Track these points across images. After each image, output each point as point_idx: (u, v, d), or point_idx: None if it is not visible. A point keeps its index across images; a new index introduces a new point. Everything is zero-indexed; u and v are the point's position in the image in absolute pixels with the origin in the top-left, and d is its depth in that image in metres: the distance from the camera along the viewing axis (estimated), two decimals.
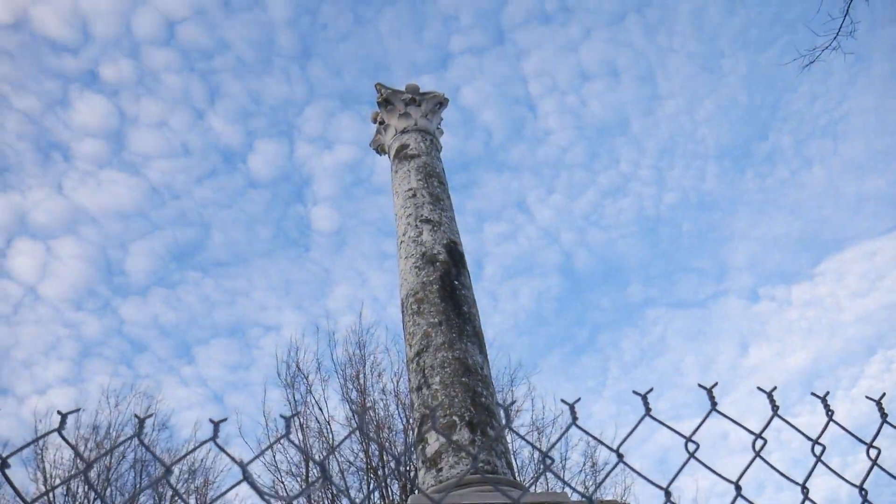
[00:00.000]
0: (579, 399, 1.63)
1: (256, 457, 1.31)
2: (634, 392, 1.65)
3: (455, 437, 4.72)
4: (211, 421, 1.28)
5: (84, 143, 26.22)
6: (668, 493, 1.60)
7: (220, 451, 1.19)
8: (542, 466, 12.74)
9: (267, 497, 1.14)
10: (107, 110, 25.76)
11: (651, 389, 1.65)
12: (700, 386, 1.73)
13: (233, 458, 1.23)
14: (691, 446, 1.68)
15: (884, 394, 1.85)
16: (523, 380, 15.23)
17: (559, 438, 1.75)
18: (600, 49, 29.31)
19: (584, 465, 13.75)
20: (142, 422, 1.30)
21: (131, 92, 26.13)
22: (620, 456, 1.61)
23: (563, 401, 1.63)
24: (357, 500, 12.09)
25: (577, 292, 29.51)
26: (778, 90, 29.01)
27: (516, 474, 13.15)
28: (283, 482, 13.12)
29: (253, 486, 1.17)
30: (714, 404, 1.72)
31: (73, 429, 17.37)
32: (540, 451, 1.42)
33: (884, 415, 1.84)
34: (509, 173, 29.48)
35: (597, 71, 29.66)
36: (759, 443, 1.77)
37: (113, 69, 25.82)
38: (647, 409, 1.61)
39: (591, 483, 13.04)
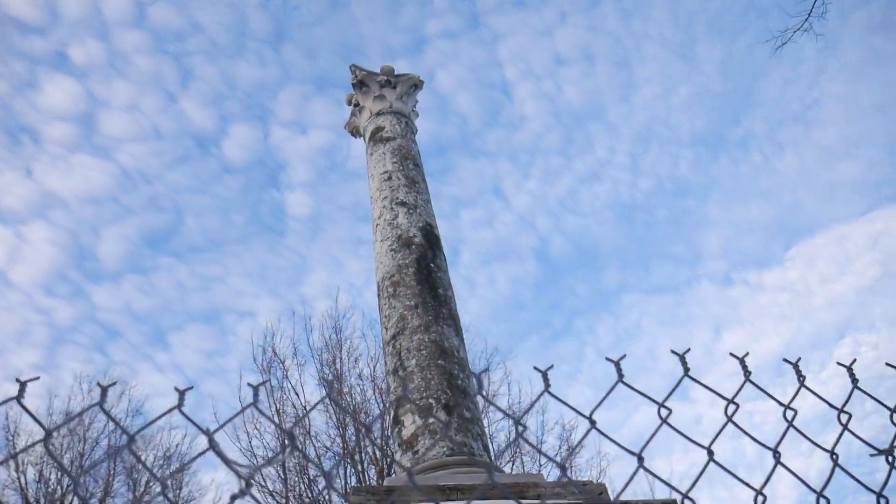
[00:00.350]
0: (552, 366, 1.62)
1: (223, 425, 1.28)
2: (607, 359, 1.65)
3: (431, 420, 4.72)
4: (176, 389, 1.25)
5: (54, 127, 25.75)
6: (640, 459, 1.61)
7: (186, 419, 1.16)
8: (517, 438, 12.83)
9: (233, 466, 1.11)
10: (76, 93, 25.30)
11: (624, 356, 1.64)
12: (673, 352, 1.73)
13: (199, 427, 1.20)
14: (664, 412, 1.68)
15: (854, 360, 1.87)
16: (499, 364, 15.29)
17: (532, 404, 1.74)
18: (576, 34, 29.33)
19: (560, 447, 13.88)
20: (104, 390, 1.26)
21: (101, 74, 25.68)
22: (593, 422, 1.60)
23: (535, 368, 1.63)
24: (332, 475, 12.09)
25: (553, 278, 29.67)
26: (751, 77, 29.24)
27: (493, 456, 13.22)
28: (260, 472, 13.08)
29: (219, 454, 1.15)
30: (686, 370, 1.72)
31: (46, 415, 17.17)
32: (512, 417, 1.41)
33: (854, 380, 1.86)
34: (485, 159, 29.48)
35: (572, 56, 29.71)
36: (732, 408, 1.78)
37: (82, 51, 25.36)
38: (620, 376, 1.61)
39: (566, 464, 13.16)
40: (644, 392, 1.72)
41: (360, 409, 13.86)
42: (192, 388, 1.24)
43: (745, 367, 1.81)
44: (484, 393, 1.43)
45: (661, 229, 30.00)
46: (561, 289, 29.46)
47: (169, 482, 15.45)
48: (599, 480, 12.42)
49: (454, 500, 3.84)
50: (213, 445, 1.13)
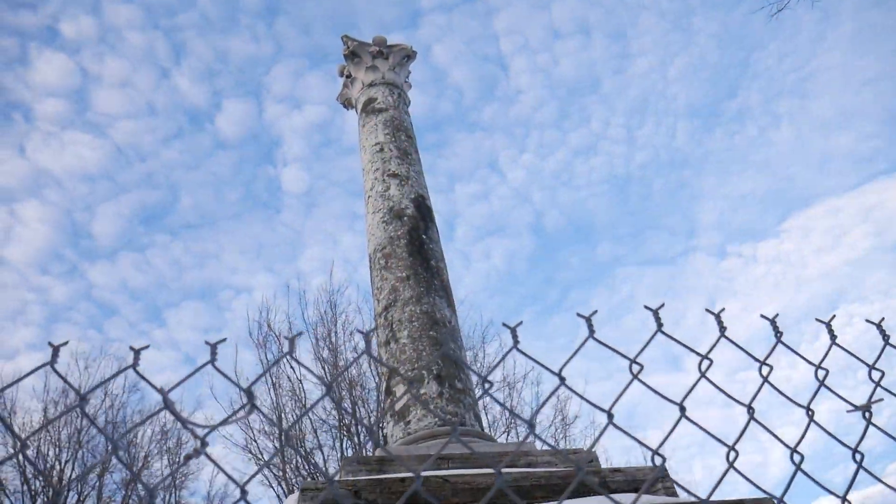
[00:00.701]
0: (521, 322, 1.61)
1: (180, 382, 1.26)
2: (578, 314, 1.63)
3: (423, 391, 4.72)
4: (131, 348, 1.22)
5: (46, 103, 25.52)
6: (610, 416, 1.60)
7: (141, 378, 1.14)
8: (484, 394, 12.89)
9: (188, 426, 1.09)
10: (68, 69, 25.04)
11: (595, 311, 1.62)
12: (646, 307, 1.71)
13: (153, 386, 1.18)
14: (635, 368, 1.67)
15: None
16: (494, 337, 15.32)
17: (500, 361, 1.73)
18: (572, 6, 29.05)
19: (555, 418, 13.97)
20: (55, 350, 1.25)
21: (93, 50, 25.41)
22: (562, 379, 1.59)
23: (504, 324, 1.61)
24: (290, 434, 12.16)
25: (548, 252, 29.69)
26: (747, 48, 29.04)
27: (485, 427, 13.30)
28: (255, 441, 13.16)
29: (173, 412, 1.13)
30: (660, 325, 1.71)
31: (43, 392, 17.23)
32: (478, 375, 1.39)
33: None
34: (481, 133, 29.33)
35: (568, 29, 29.42)
36: (706, 363, 1.78)
37: (73, 26, 25.04)
38: (591, 332, 1.59)
39: (560, 436, 13.26)
40: (615, 348, 1.71)
41: (356, 382, 13.90)
42: (147, 346, 1.23)
43: (720, 323, 1.80)
44: (462, 352, 1.41)
45: (656, 202, 29.97)
46: (556, 262, 29.49)
47: (121, 443, 15.50)
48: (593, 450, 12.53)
49: (445, 470, 3.85)
50: (167, 404, 1.11)
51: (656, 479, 3.70)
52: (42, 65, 24.95)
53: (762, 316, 2.06)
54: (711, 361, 1.84)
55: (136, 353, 1.30)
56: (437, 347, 4.96)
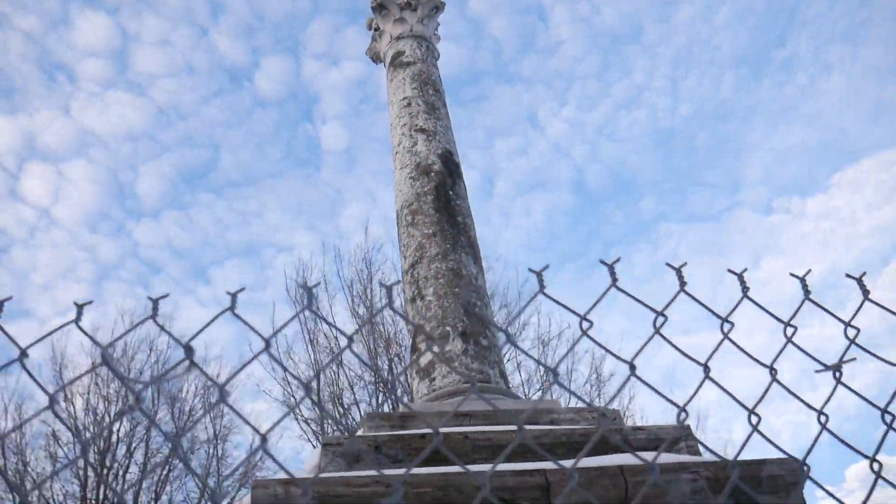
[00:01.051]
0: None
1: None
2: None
3: (448, 348, 4.70)
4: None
5: (88, 64, 25.87)
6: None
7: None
8: (507, 342, 12.89)
9: (127, 382, 1.07)
10: (108, 28, 25.26)
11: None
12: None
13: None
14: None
15: (809, 270, 1.77)
16: (531, 293, 15.26)
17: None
18: None
19: (590, 376, 13.93)
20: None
21: (132, 9, 25.54)
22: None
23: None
24: (310, 387, 12.32)
25: (589, 207, 29.34)
26: None
27: (520, 385, 13.33)
28: (293, 396, 13.41)
29: (110, 367, 1.11)
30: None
31: (90, 347, 17.76)
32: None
33: (807, 292, 1.76)
34: (520, 86, 28.87)
35: None
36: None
37: None
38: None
39: (595, 394, 13.22)
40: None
41: (393, 340, 14.02)
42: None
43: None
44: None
45: (701, 156, 29.31)
46: (597, 218, 29.16)
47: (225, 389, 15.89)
48: (628, 409, 12.48)
49: (466, 426, 3.84)
50: (105, 359, 1.08)
51: (678, 437, 3.63)
52: (83, 24, 25.22)
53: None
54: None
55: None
56: (463, 304, 4.92)
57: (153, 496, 16.04)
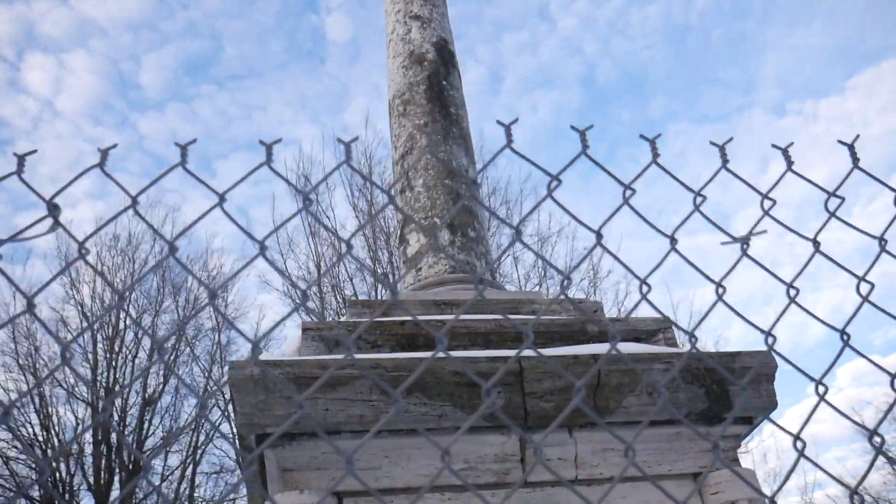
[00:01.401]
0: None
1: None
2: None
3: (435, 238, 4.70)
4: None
5: None
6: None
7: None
8: (545, 273, 12.99)
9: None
10: None
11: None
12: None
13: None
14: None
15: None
16: (531, 192, 15.18)
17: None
18: None
19: (587, 272, 14.04)
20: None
21: None
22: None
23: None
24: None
25: (598, 106, 28.77)
26: None
27: (497, 276, 13.45)
28: (295, 287, 13.62)
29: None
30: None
31: (96, 238, 17.92)
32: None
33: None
34: None
35: None
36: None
37: None
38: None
39: (591, 290, 13.37)
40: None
41: (394, 233, 14.08)
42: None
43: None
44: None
45: (715, 53, 28.46)
46: (606, 117, 28.63)
47: (218, 292, 16.26)
48: (620, 307, 12.63)
49: (448, 315, 3.88)
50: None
51: (657, 329, 3.68)
52: None
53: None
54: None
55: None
56: (452, 196, 4.89)
57: (161, 381, 16.61)
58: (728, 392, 3.26)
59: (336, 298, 13.18)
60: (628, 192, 1.74)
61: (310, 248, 14.11)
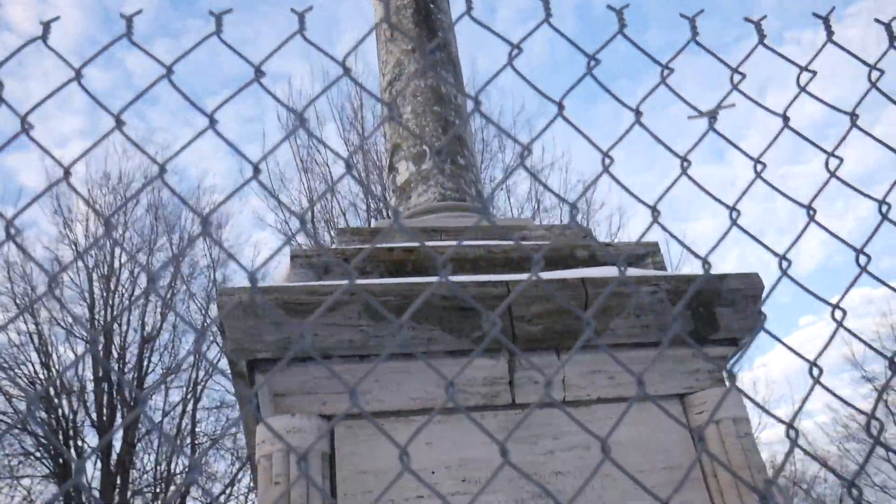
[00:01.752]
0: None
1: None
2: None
3: (424, 167, 4.65)
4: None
5: None
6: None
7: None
8: (538, 204, 12.96)
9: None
10: None
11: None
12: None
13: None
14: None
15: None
16: (524, 125, 15.01)
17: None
18: None
19: (580, 204, 14.00)
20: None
21: None
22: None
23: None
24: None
25: (595, 37, 28.21)
26: None
27: (509, 209, 13.42)
28: (287, 223, 13.58)
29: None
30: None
31: (87, 177, 17.77)
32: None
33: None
34: None
35: None
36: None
37: None
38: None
39: (583, 221, 13.35)
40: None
41: (384, 167, 13.99)
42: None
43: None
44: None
45: None
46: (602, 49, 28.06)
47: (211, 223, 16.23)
48: (612, 237, 12.64)
49: (438, 241, 3.87)
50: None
51: (646, 254, 3.67)
52: None
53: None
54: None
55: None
56: (441, 123, 4.81)
57: (159, 318, 16.72)
58: (715, 314, 3.27)
59: (329, 233, 13.16)
60: (592, 64, 1.71)
61: (302, 183, 14.02)
